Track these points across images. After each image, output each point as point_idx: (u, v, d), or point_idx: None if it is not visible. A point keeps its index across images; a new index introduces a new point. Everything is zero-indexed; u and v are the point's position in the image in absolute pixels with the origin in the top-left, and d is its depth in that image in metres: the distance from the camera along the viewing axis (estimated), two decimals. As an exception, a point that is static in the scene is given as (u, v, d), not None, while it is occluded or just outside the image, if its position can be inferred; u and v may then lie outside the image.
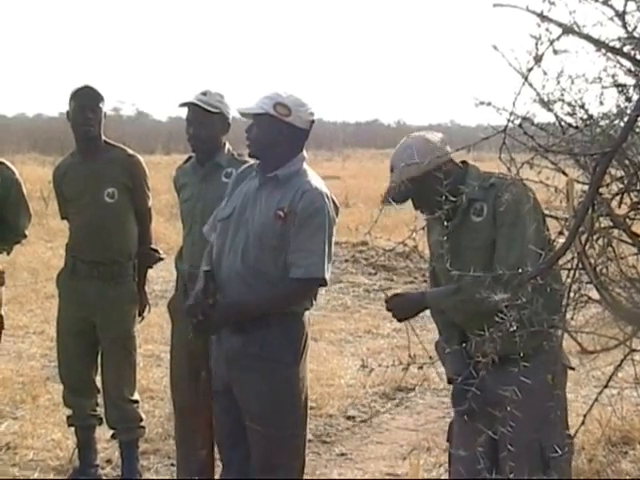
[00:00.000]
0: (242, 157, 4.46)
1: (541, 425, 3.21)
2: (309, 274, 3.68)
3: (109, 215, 4.79)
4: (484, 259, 3.21)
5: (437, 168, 3.18)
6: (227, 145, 4.55)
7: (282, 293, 3.76)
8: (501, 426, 2.69)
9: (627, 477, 5.02)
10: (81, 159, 4.92)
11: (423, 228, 3.40)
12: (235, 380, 3.79)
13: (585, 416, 2.78)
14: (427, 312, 3.52)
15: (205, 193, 4.44)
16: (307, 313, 3.87)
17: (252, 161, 4.08)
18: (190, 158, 4.66)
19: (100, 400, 5.04)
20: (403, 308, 3.52)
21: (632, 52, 2.42)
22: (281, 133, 3.73)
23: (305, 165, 3.81)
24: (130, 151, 4.99)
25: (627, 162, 2.63)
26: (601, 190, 2.51)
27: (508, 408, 2.63)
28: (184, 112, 4.51)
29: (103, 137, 4.93)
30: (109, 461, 5.30)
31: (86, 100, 4.81)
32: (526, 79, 2.46)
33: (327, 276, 3.73)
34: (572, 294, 2.70)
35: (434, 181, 3.08)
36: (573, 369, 3.09)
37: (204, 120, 4.42)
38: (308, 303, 3.84)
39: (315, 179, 3.78)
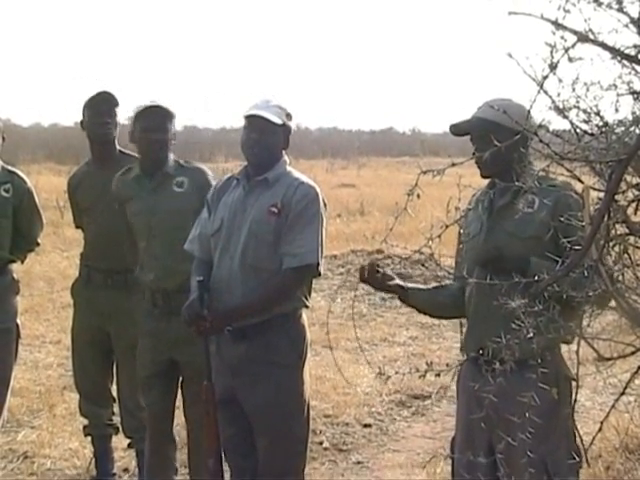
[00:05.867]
0: (189, 163, 4.48)
1: (544, 440, 3.16)
2: (304, 261, 3.73)
3: (124, 224, 4.81)
4: (538, 250, 3.09)
5: (522, 138, 2.72)
6: (172, 155, 4.46)
7: (274, 285, 3.77)
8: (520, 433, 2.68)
9: (645, 485, 5.00)
10: (96, 168, 4.94)
11: (439, 236, 3.36)
12: (240, 388, 3.81)
13: (602, 423, 2.77)
14: (444, 321, 3.50)
15: (159, 205, 4.36)
16: (305, 316, 3.89)
17: (200, 165, 4.39)
18: (130, 169, 4.56)
19: (116, 409, 5.07)
20: None
21: (647, 59, 2.42)
22: (286, 140, 3.89)
23: (288, 166, 3.91)
24: None
25: (643, 169, 2.63)
26: (617, 197, 2.50)
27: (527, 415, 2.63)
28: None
29: (118, 147, 4.96)
30: (126, 470, 5.33)
31: (103, 104, 4.85)
32: (541, 87, 2.46)
33: (321, 265, 3.79)
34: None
35: (510, 144, 2.68)
36: (576, 380, 3.08)
37: (158, 125, 4.36)
38: (302, 297, 3.86)
39: (303, 176, 3.89)
